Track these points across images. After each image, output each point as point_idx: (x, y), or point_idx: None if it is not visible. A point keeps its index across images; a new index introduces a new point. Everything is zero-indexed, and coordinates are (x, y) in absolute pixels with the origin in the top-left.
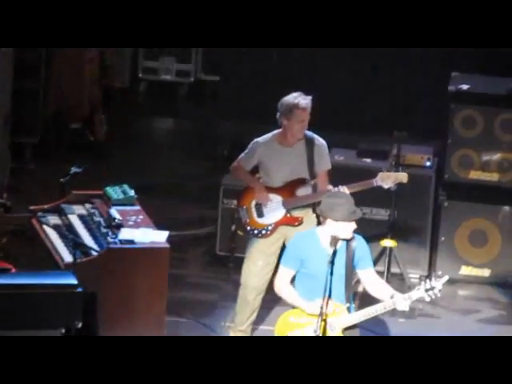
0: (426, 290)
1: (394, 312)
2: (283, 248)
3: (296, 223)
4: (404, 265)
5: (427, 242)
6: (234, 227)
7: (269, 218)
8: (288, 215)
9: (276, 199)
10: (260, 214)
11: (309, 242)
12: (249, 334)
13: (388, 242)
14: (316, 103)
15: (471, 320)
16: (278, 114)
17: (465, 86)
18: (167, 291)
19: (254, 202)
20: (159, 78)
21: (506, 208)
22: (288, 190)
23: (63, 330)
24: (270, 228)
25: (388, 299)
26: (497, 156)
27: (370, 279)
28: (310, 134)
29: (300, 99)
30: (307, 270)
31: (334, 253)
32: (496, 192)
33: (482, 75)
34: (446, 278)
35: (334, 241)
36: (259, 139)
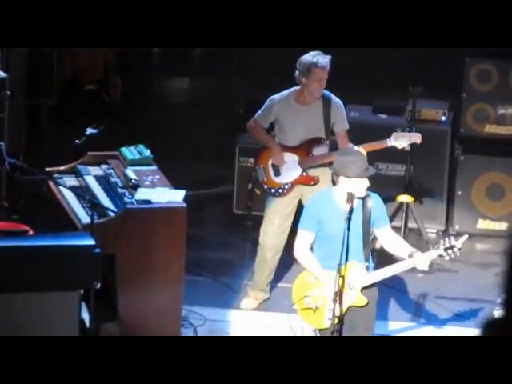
0: (446, 249)
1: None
2: (299, 207)
3: (312, 182)
4: (421, 220)
5: (444, 196)
6: (250, 185)
7: (285, 177)
8: (304, 174)
9: (292, 158)
10: (277, 173)
11: (325, 203)
12: (267, 293)
13: (405, 198)
14: (331, 60)
15: (489, 274)
16: (297, 72)
17: None
18: (185, 251)
19: (270, 161)
20: None
21: None
22: (304, 149)
23: (82, 291)
24: (286, 187)
25: (406, 256)
26: None
27: (387, 236)
28: (327, 93)
29: (319, 58)
30: (325, 232)
31: (351, 209)
32: None
33: None
34: (466, 236)
35: (351, 197)
36: (276, 96)
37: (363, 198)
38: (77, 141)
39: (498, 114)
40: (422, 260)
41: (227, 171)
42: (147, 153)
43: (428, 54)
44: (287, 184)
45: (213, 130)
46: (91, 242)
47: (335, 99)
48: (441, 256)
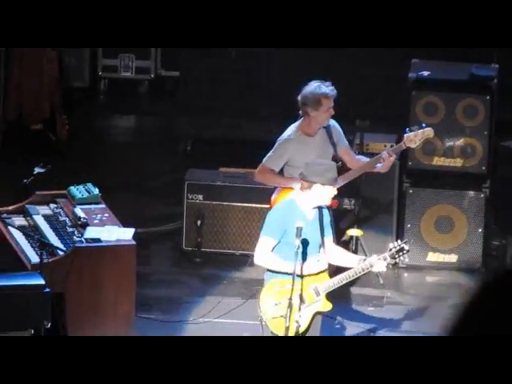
0: (397, 251)
1: (362, 300)
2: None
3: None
4: (371, 253)
5: (393, 229)
6: (199, 222)
7: None
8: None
9: None
10: None
11: (291, 211)
12: None
13: (354, 232)
14: (274, 94)
15: (441, 306)
16: (303, 105)
17: (425, 73)
18: (134, 289)
19: None
20: (119, 75)
21: (471, 193)
22: None
23: (32, 331)
24: None
25: (356, 263)
26: (460, 142)
27: (332, 247)
28: None
29: (325, 88)
30: (289, 239)
31: (303, 241)
32: (460, 177)
33: (442, 61)
34: (410, 240)
35: (299, 232)
36: (286, 136)
37: (318, 208)
38: (25, 180)
39: (445, 146)
40: (377, 262)
41: (176, 208)
42: (95, 191)
43: (374, 86)
44: None
45: (160, 167)
46: (41, 281)
47: (331, 121)
48: (393, 258)
